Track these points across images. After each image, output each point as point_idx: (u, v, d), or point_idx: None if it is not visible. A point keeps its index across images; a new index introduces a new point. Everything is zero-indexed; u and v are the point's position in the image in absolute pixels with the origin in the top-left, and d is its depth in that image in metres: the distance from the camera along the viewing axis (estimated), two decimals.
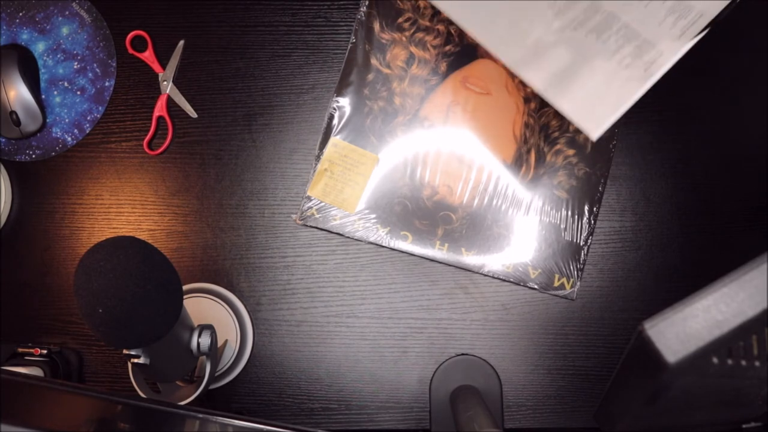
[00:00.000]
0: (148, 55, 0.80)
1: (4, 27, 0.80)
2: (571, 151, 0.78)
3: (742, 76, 0.80)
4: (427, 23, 0.79)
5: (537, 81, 0.62)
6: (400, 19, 0.79)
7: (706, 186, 0.79)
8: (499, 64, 0.79)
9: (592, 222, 0.78)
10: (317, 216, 0.78)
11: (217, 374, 0.76)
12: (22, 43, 0.80)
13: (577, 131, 0.78)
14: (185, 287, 0.78)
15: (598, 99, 0.61)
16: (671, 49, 0.61)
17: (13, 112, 0.78)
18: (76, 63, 0.80)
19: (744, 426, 0.56)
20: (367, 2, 0.79)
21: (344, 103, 0.78)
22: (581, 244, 0.78)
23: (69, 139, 0.80)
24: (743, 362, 0.42)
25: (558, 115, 0.78)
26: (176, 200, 0.80)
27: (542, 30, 0.63)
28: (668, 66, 0.61)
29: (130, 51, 0.80)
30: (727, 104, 0.79)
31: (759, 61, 0.79)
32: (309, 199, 0.78)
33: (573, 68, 0.62)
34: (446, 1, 0.64)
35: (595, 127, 0.61)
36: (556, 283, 0.78)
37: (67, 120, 0.80)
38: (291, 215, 0.79)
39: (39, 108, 0.79)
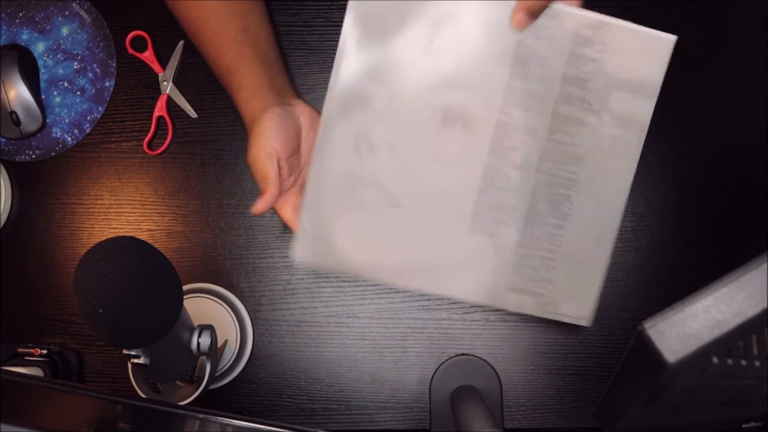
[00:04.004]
0: (148, 55, 0.80)
1: (4, 27, 0.80)
2: None
3: (742, 76, 0.79)
4: None
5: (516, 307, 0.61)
6: None
7: (706, 186, 0.79)
8: None
9: None
10: None
11: (217, 374, 0.76)
12: (22, 43, 0.80)
13: None
14: (185, 287, 0.78)
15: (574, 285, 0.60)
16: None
17: (13, 112, 0.78)
18: (76, 63, 0.80)
19: (744, 426, 0.56)
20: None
21: None
22: None
23: (69, 139, 0.80)
24: (743, 362, 0.42)
25: None
26: (176, 200, 0.80)
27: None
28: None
29: (130, 51, 0.80)
30: (727, 104, 0.79)
31: (759, 61, 0.79)
32: None
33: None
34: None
35: (586, 313, 0.60)
36: None
37: (67, 120, 0.80)
38: None
39: (39, 108, 0.79)
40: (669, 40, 0.56)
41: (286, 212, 0.63)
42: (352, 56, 0.55)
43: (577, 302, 0.60)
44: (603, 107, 0.57)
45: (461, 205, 0.58)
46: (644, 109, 0.57)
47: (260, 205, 0.61)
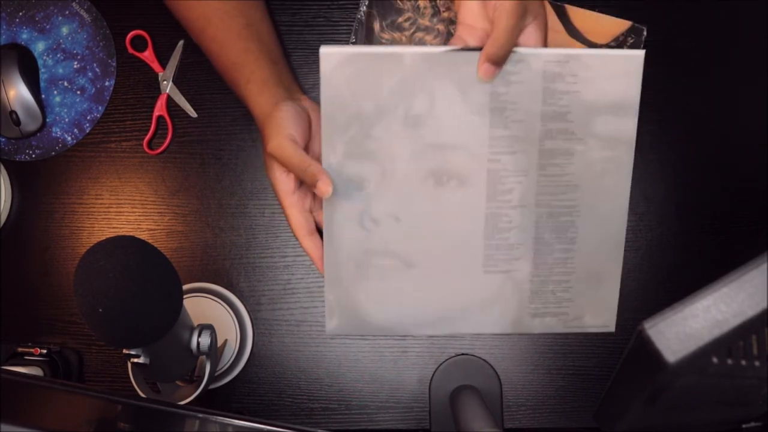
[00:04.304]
0: (148, 55, 0.80)
1: (4, 27, 0.80)
2: None
3: (742, 76, 0.79)
4: (427, 23, 0.79)
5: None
6: (400, 19, 0.79)
7: (706, 186, 0.79)
8: None
9: None
10: None
11: (216, 374, 0.76)
12: (22, 43, 0.80)
13: None
14: (185, 287, 0.78)
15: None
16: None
17: (13, 112, 0.78)
18: (76, 63, 0.80)
19: (744, 426, 0.56)
20: (367, 2, 0.79)
21: None
22: None
23: (69, 138, 0.80)
24: (743, 362, 0.42)
25: None
26: (176, 200, 0.80)
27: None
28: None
29: (130, 51, 0.80)
30: (726, 104, 0.79)
31: (759, 61, 0.79)
32: None
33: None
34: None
35: (610, 321, 0.63)
36: None
37: (67, 120, 0.80)
38: None
39: (39, 108, 0.79)
40: (638, 56, 0.56)
41: (293, 213, 0.63)
42: (338, 150, 0.57)
43: (599, 313, 0.63)
44: (587, 134, 0.58)
45: (471, 252, 0.60)
46: (628, 126, 0.58)
47: (326, 186, 0.57)
